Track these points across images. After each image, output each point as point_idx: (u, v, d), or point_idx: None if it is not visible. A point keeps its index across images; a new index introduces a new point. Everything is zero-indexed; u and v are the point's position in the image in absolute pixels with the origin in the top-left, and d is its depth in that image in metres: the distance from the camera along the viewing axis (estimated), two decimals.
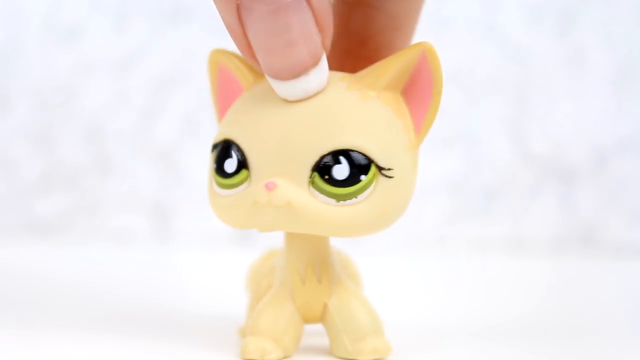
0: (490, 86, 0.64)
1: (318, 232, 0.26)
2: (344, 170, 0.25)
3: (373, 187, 0.26)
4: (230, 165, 0.26)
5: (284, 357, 0.28)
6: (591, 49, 0.64)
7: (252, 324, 0.28)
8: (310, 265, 0.28)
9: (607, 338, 0.33)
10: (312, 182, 0.25)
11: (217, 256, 0.57)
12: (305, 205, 0.25)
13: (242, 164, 0.26)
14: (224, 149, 0.27)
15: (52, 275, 0.46)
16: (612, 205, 0.62)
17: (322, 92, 0.26)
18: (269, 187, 0.25)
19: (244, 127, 0.26)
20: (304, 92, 0.26)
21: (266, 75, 0.26)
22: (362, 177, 0.25)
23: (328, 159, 0.25)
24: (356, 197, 0.26)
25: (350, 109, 0.26)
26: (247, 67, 0.28)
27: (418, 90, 0.27)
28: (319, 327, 0.29)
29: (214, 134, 0.28)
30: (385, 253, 0.56)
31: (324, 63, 0.26)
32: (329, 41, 0.26)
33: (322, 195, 0.25)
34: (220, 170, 0.27)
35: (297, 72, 0.25)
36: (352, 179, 0.25)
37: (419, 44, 0.26)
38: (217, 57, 0.29)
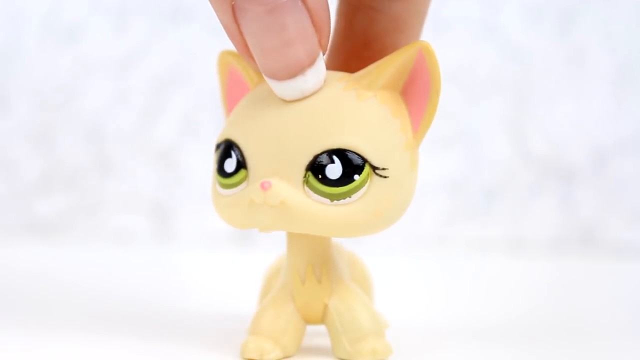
0: (490, 86, 0.64)
1: (313, 231, 0.26)
2: (337, 169, 0.25)
3: (367, 186, 0.26)
4: (230, 165, 0.27)
5: (283, 357, 0.28)
6: (591, 49, 0.64)
7: (252, 323, 0.28)
8: (310, 266, 0.28)
9: (607, 338, 0.33)
10: (306, 182, 0.25)
11: (217, 256, 0.57)
12: (299, 204, 0.25)
13: (241, 164, 0.26)
14: (225, 149, 0.27)
15: (52, 275, 0.46)
16: (612, 205, 0.62)
17: (319, 92, 0.26)
18: (264, 186, 0.25)
19: (243, 127, 0.27)
20: (300, 92, 0.26)
21: (263, 75, 0.26)
22: (356, 176, 0.25)
23: (322, 159, 0.25)
24: (350, 197, 0.26)
25: (346, 109, 0.26)
26: (252, 68, 0.28)
27: (416, 90, 0.27)
28: (322, 328, 0.29)
29: (215, 134, 0.28)
30: (385, 253, 0.55)
31: (320, 63, 0.26)
32: (326, 41, 0.26)
33: (316, 195, 0.25)
34: (221, 170, 0.27)
35: (293, 72, 0.25)
36: (345, 179, 0.25)
37: (415, 43, 0.26)
38: (227, 58, 0.29)
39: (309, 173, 0.25)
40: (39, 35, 0.65)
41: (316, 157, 0.25)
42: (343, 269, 0.29)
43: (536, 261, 0.59)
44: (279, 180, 0.25)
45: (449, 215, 0.63)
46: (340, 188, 0.25)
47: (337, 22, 0.29)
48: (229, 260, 0.56)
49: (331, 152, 0.25)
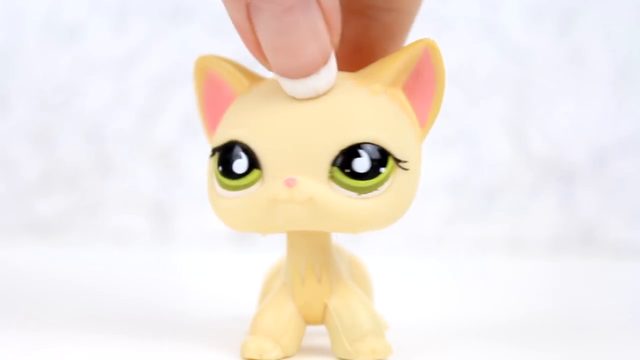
0: (490, 86, 0.64)
1: (339, 227, 0.26)
2: (365, 163, 0.26)
3: (392, 179, 0.26)
4: (240, 165, 0.26)
5: (283, 357, 0.28)
6: (591, 49, 0.64)
7: (252, 323, 0.28)
8: (310, 265, 0.28)
9: (607, 338, 0.33)
10: (332, 177, 0.26)
11: (216, 256, 0.57)
12: (328, 199, 0.25)
13: (253, 164, 0.26)
14: (229, 150, 0.26)
15: (52, 275, 0.46)
16: (612, 205, 0.62)
17: (331, 89, 0.26)
18: (290, 183, 0.25)
19: (253, 128, 0.26)
20: (314, 91, 0.26)
21: (275, 74, 0.26)
22: (382, 169, 0.26)
23: (348, 153, 0.26)
24: (377, 190, 0.26)
25: (363, 104, 0.26)
26: (241, 72, 0.28)
27: (421, 86, 0.27)
28: (322, 328, 0.29)
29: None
30: (385, 253, 0.56)
31: (333, 61, 0.26)
32: (337, 40, 0.26)
33: (342, 189, 0.26)
34: (227, 172, 0.26)
35: (308, 70, 0.25)
36: (372, 172, 0.26)
37: (421, 40, 0.27)
38: (205, 64, 0.29)
39: (335, 168, 0.26)
40: (39, 35, 0.65)
41: (342, 151, 0.26)
42: (343, 269, 0.29)
43: (536, 261, 0.59)
44: (303, 177, 0.26)
45: (449, 215, 0.63)
46: (368, 181, 0.26)
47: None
48: (228, 261, 0.56)
49: (357, 146, 0.26)
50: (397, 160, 0.26)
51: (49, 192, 0.63)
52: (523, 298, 0.42)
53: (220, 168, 0.27)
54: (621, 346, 0.32)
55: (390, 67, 0.27)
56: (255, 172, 0.26)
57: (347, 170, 0.26)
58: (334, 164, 0.26)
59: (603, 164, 0.63)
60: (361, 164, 0.26)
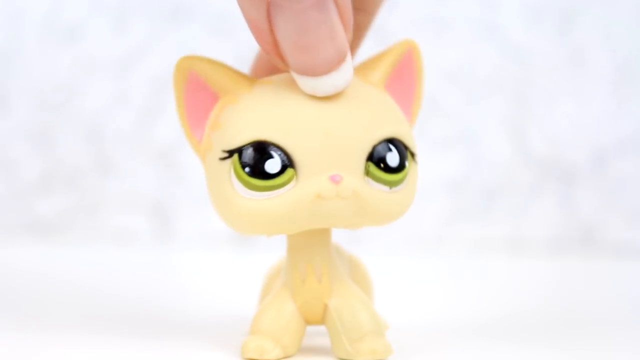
0: (490, 86, 0.64)
1: (375, 221, 0.27)
2: (396, 157, 0.27)
3: (410, 172, 0.27)
4: (274, 165, 0.26)
5: (283, 357, 0.28)
6: (591, 49, 0.64)
7: (253, 323, 0.28)
8: (311, 265, 0.28)
9: (607, 338, 0.33)
10: (367, 172, 0.26)
11: (217, 256, 0.57)
12: (369, 193, 0.26)
13: (287, 163, 0.26)
14: (259, 150, 0.26)
15: (52, 275, 0.46)
16: (612, 205, 0.62)
17: (349, 86, 0.26)
18: (335, 179, 0.26)
19: (282, 127, 0.26)
20: (334, 88, 0.26)
21: (293, 72, 0.26)
22: (406, 162, 0.27)
23: (381, 148, 0.26)
24: (403, 183, 0.27)
25: (380, 101, 0.27)
26: (238, 72, 0.28)
27: (403, 84, 0.29)
28: (322, 328, 0.29)
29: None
30: (385, 253, 0.56)
31: (349, 58, 0.26)
32: (351, 36, 0.26)
33: (377, 184, 0.26)
34: (257, 172, 0.26)
35: (328, 68, 0.26)
36: (401, 165, 0.27)
37: (405, 42, 0.28)
38: (188, 65, 0.28)
39: (370, 163, 0.26)
40: (39, 35, 0.65)
41: (374, 147, 0.26)
42: (343, 269, 0.29)
43: (536, 261, 0.59)
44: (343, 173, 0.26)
45: (449, 215, 0.63)
46: (398, 175, 0.27)
47: None
48: (229, 261, 0.56)
49: (387, 142, 0.26)
50: (413, 154, 0.27)
51: (49, 192, 0.63)
52: (523, 298, 0.42)
53: (247, 169, 0.26)
54: (621, 346, 0.32)
55: (381, 65, 0.28)
56: (289, 171, 0.26)
57: (382, 165, 0.26)
58: (369, 158, 0.26)
59: (603, 164, 0.63)
60: (393, 158, 0.26)
